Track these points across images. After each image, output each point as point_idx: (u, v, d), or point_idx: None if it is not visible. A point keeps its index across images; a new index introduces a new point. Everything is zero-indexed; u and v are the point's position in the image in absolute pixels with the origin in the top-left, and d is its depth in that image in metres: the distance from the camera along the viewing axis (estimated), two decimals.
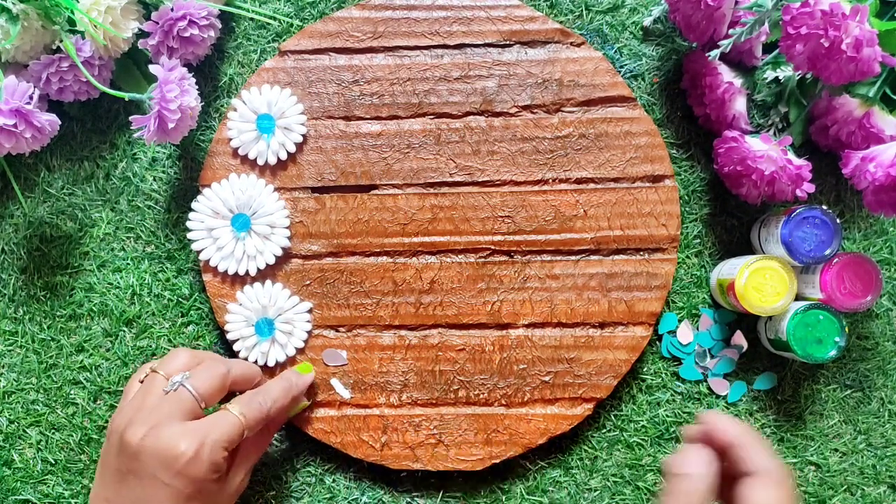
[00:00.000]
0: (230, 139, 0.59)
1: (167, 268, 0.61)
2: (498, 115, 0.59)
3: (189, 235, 0.58)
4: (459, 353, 0.58)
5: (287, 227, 0.58)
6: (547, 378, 0.58)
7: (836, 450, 0.59)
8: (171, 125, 0.53)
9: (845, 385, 0.60)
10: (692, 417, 0.59)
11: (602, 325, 0.58)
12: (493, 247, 0.59)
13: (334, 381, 0.58)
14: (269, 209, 0.58)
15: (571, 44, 0.59)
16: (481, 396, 0.58)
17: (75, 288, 0.61)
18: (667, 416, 0.59)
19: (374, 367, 0.58)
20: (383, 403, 0.58)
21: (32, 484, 0.60)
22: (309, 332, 0.58)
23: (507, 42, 0.59)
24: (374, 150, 0.59)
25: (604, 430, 0.59)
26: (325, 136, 0.59)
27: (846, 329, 0.54)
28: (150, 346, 0.60)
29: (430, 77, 0.59)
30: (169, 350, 0.60)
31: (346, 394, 0.58)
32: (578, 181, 0.59)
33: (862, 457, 0.59)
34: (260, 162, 0.59)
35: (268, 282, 0.58)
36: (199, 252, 0.58)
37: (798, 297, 0.57)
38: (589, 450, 0.59)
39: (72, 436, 0.60)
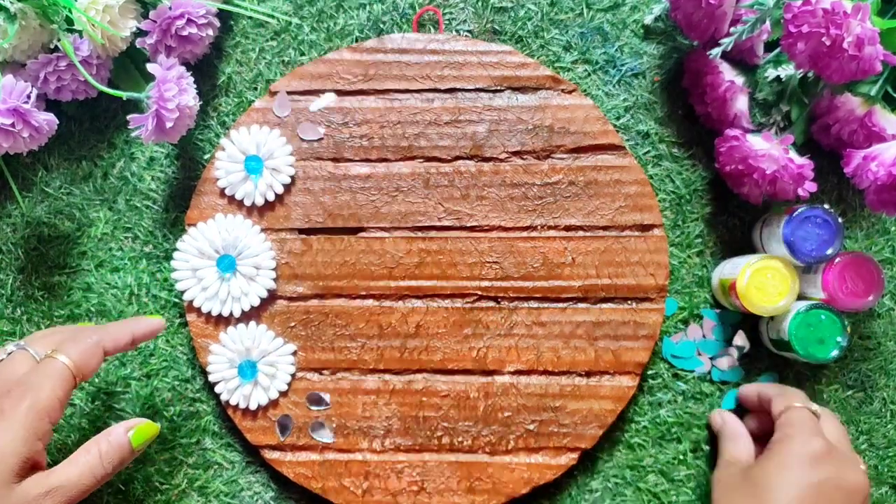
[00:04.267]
0: (217, 179, 0.58)
1: (165, 268, 0.60)
2: (487, 160, 0.58)
3: (173, 275, 0.57)
4: (444, 399, 0.57)
5: (273, 269, 0.58)
6: (532, 426, 0.57)
7: None
8: (168, 124, 0.52)
9: (847, 385, 0.60)
10: (693, 418, 0.59)
11: (588, 374, 0.57)
12: (480, 292, 0.58)
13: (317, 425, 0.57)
14: (255, 250, 0.57)
15: (563, 90, 0.58)
16: (465, 444, 0.57)
17: (73, 288, 0.61)
18: (668, 416, 0.59)
19: (358, 412, 0.57)
20: (366, 448, 0.57)
21: None
22: (292, 375, 0.58)
23: (498, 87, 0.59)
24: (363, 192, 0.58)
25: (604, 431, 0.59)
26: (313, 178, 0.58)
27: (848, 329, 0.54)
28: (149, 347, 0.60)
29: (421, 120, 0.59)
30: (168, 351, 0.60)
31: (328, 438, 0.57)
32: (567, 228, 0.58)
33: (864, 457, 0.59)
34: (247, 203, 0.58)
35: (252, 323, 0.57)
36: (183, 292, 0.57)
37: (800, 297, 0.56)
38: (589, 451, 0.59)
39: (70, 436, 0.60)
